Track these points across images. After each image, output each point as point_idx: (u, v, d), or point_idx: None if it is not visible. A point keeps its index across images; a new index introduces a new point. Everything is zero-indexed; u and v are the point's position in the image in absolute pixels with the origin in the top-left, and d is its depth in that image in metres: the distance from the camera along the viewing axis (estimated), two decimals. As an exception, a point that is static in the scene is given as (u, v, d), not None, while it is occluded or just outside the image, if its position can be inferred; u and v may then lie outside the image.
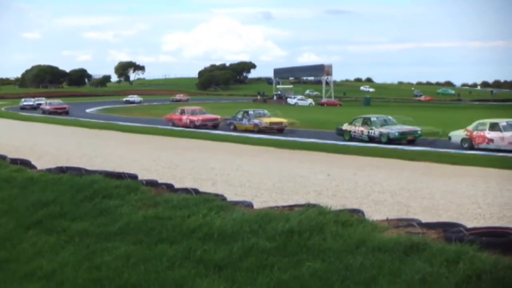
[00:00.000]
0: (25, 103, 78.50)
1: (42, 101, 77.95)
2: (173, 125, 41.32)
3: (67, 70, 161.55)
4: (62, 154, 22.94)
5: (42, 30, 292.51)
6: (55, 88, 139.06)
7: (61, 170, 12.26)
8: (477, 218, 11.73)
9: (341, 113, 37.94)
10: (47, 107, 65.03)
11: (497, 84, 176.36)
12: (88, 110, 71.98)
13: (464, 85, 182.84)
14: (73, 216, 8.64)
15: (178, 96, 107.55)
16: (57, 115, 58.50)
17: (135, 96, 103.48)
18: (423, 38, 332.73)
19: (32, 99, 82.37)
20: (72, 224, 8.19)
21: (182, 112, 42.03)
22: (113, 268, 6.34)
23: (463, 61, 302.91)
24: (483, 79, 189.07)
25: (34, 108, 74.70)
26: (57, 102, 69.18)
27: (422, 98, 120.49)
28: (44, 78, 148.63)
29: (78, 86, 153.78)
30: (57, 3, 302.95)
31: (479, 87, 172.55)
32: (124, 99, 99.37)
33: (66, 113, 60.99)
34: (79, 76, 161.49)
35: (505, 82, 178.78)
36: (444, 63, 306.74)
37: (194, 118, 40.41)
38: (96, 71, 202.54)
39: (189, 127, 39.56)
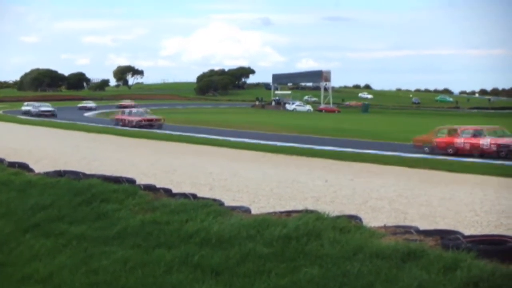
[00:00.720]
0: (42, 109, 64.07)
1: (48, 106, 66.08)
2: (432, 151, 28.41)
3: (66, 73, 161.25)
4: (60, 158, 22.92)
5: (41, 34, 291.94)
6: (53, 92, 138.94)
7: (59, 173, 12.25)
8: (474, 225, 11.75)
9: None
10: (132, 118, 47.10)
11: (495, 92, 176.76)
12: (86, 114, 72.03)
13: (462, 92, 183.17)
14: (70, 219, 8.64)
15: (125, 102, 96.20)
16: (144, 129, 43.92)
17: (90, 102, 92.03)
18: (421, 45, 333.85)
19: (48, 104, 69.79)
20: (70, 228, 8.18)
21: (452, 133, 28.95)
22: (111, 272, 6.34)
23: (461, 68, 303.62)
24: (481, 87, 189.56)
25: (54, 114, 61.92)
26: (138, 110, 49.72)
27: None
28: (43, 81, 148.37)
29: (77, 90, 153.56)
30: (55, 7, 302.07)
31: (477, 95, 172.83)
32: (79, 105, 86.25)
33: (159, 126, 45.20)
34: (78, 80, 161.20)
35: (503, 90, 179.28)
36: (442, 71, 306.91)
37: (489, 141, 26.99)
38: (95, 75, 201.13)
39: (470, 154, 27.37)
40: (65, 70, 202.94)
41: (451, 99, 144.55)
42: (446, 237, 6.54)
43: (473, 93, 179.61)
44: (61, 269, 6.60)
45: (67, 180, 11.14)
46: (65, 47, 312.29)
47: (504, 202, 14.61)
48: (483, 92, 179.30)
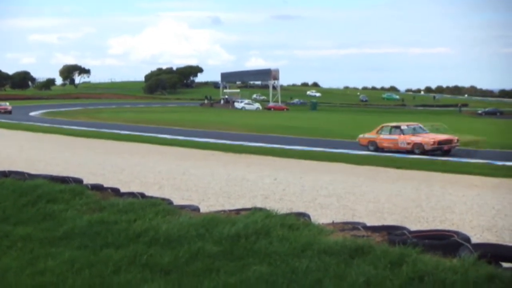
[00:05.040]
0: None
1: None
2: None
3: (10, 72, 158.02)
4: (4, 158, 22.43)
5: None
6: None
7: (4, 174, 11.98)
8: (420, 221, 11.96)
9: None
10: None
11: (439, 89, 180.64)
12: (31, 113, 70.61)
13: (408, 90, 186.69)
14: (16, 220, 8.45)
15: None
16: None
17: None
18: (368, 43, 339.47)
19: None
20: (15, 229, 8.01)
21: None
22: (57, 274, 6.23)
23: (407, 67, 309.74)
24: (427, 85, 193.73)
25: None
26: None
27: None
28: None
29: (22, 89, 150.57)
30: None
31: (422, 93, 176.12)
32: None
33: None
34: (22, 79, 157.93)
35: (447, 87, 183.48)
36: (388, 69, 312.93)
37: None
38: (40, 74, 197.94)
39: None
40: (10, 69, 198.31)
41: (397, 97, 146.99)
42: (393, 233, 6.64)
43: (418, 91, 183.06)
44: (6, 271, 6.45)
45: (12, 181, 10.89)
46: (9, 46, 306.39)
47: (448, 198, 14.93)
48: (428, 90, 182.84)
